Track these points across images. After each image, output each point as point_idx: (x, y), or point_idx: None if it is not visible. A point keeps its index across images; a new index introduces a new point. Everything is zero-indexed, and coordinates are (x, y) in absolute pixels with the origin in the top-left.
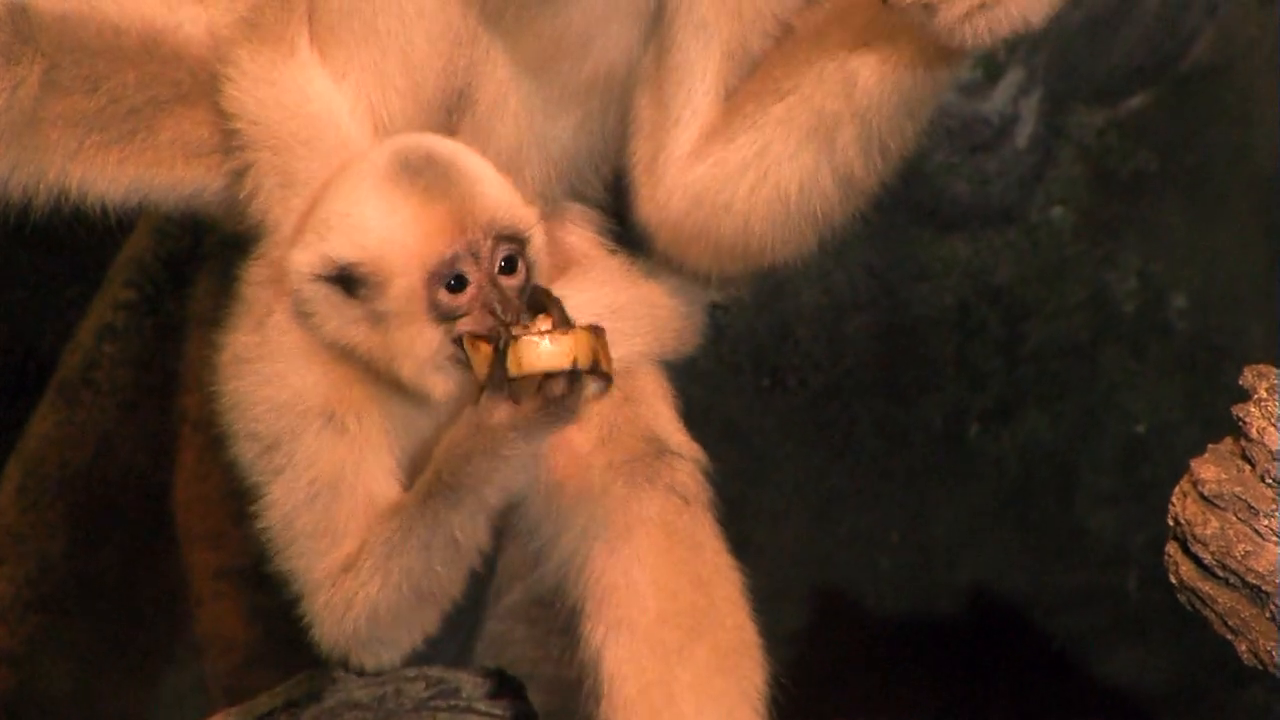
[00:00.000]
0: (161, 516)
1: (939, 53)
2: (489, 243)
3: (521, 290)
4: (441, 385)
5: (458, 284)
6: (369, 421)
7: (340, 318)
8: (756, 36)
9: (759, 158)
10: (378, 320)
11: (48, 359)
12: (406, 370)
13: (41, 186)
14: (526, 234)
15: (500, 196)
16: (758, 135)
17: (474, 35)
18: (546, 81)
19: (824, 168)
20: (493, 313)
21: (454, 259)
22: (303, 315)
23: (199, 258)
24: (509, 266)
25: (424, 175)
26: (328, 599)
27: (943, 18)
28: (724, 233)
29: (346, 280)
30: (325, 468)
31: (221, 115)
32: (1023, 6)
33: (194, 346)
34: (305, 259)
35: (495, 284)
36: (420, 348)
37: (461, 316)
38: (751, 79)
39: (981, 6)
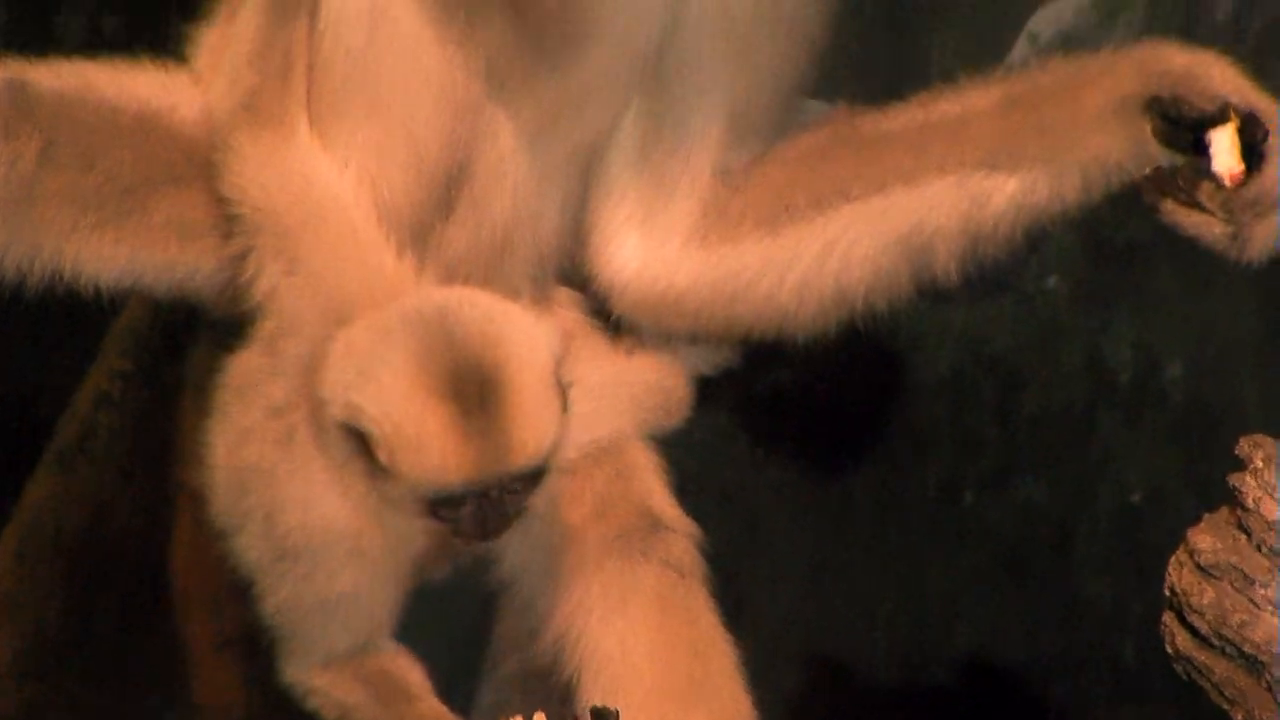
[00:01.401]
0: (158, 584)
1: (1101, 179)
2: (506, 481)
3: (520, 507)
4: (424, 542)
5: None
6: (384, 544)
7: (347, 452)
8: (762, 105)
9: (821, 256)
10: (379, 473)
11: (44, 427)
12: (391, 523)
13: (36, 264)
14: (547, 466)
15: (537, 435)
16: (819, 234)
17: (477, 105)
18: (542, 150)
19: (905, 271)
20: (484, 528)
21: (464, 494)
22: (321, 434)
23: (196, 327)
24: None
25: (470, 398)
26: (306, 678)
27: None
28: (745, 315)
29: (361, 435)
30: (343, 586)
31: (218, 198)
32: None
33: (191, 415)
34: (334, 396)
35: (496, 502)
36: (408, 526)
37: (454, 519)
38: (788, 166)
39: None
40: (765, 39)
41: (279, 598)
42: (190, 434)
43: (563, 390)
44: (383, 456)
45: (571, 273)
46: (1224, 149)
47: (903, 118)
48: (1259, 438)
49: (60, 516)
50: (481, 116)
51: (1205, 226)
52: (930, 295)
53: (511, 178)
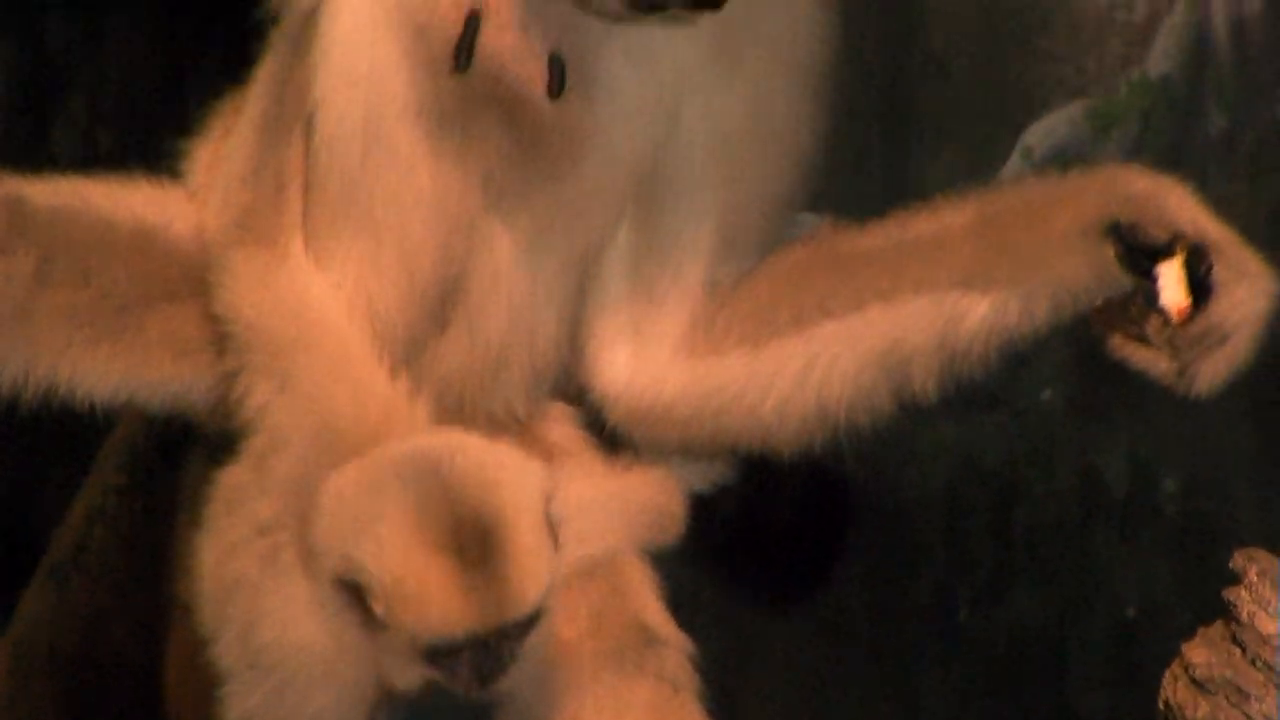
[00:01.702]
0: (152, 699)
1: (1070, 301)
2: (507, 629)
3: (516, 652)
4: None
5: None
6: (359, 668)
7: (341, 602)
8: (752, 221)
9: (803, 372)
10: (375, 623)
11: (38, 541)
12: (382, 671)
13: (30, 380)
14: (544, 610)
15: (536, 582)
16: (800, 350)
17: (471, 219)
18: (537, 264)
19: (884, 390)
20: (481, 676)
21: (464, 644)
22: (311, 563)
23: (190, 442)
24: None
25: (470, 549)
26: None
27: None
28: (730, 429)
29: (357, 587)
30: (313, 707)
31: (212, 315)
32: (1242, 345)
33: (185, 530)
34: (329, 550)
35: (494, 650)
36: (400, 673)
37: (451, 667)
38: (773, 282)
39: (1211, 352)
40: (756, 156)
41: (247, 707)
42: (184, 549)
43: (554, 529)
44: (380, 609)
45: (567, 386)
46: (1171, 282)
47: (882, 236)
48: (1254, 551)
49: (54, 631)
50: (476, 231)
51: (1152, 361)
52: (924, 409)
53: (506, 292)
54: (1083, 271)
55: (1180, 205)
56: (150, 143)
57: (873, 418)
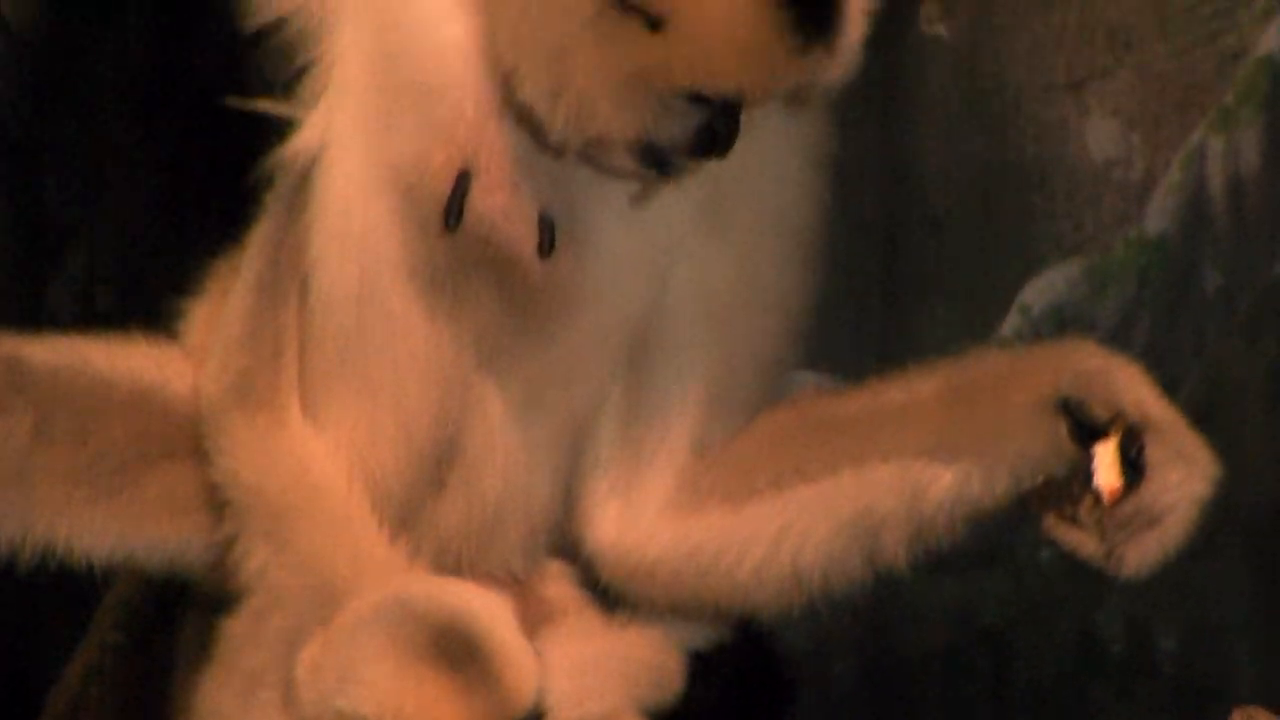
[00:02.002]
0: None
1: (1029, 475)
2: None
3: None
4: None
5: None
6: None
7: None
8: (742, 382)
9: (778, 537)
10: None
11: (35, 700)
12: None
13: (28, 539)
14: (544, 710)
15: (527, 675)
16: (777, 515)
17: (466, 381)
18: (532, 424)
19: (857, 557)
20: None
21: None
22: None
23: (188, 601)
24: None
25: (458, 656)
26: None
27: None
28: (711, 589)
29: None
30: None
31: (210, 479)
32: (1175, 530)
33: (182, 690)
34: (320, 713)
35: None
36: None
37: None
38: (756, 443)
39: (1142, 536)
40: (745, 318)
41: None
42: (181, 708)
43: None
44: None
45: (563, 543)
46: (1105, 463)
47: (858, 401)
48: (1252, 710)
49: None
50: (470, 392)
51: (1080, 543)
52: (923, 567)
53: (501, 452)
54: (1039, 446)
55: (1127, 384)
56: (148, 301)
57: (848, 584)
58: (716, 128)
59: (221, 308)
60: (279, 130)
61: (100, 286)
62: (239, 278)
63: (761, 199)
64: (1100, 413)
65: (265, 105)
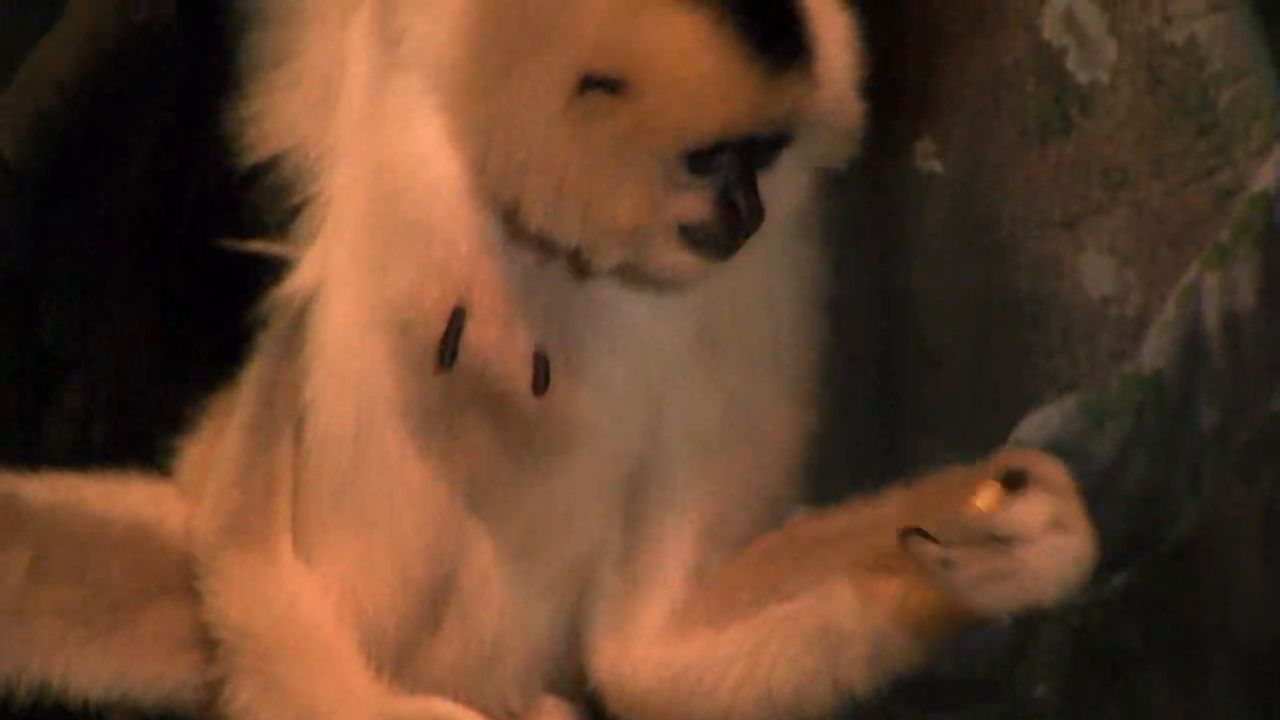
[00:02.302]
0: None
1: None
2: None
3: None
4: None
5: None
6: None
7: None
8: (737, 516)
9: (754, 654)
10: None
11: None
12: None
13: (24, 676)
14: None
15: None
16: (753, 632)
17: (460, 519)
18: (528, 564)
19: (824, 676)
20: None
21: None
22: None
23: None
24: None
25: None
26: None
27: (958, 577)
28: (697, 712)
29: None
30: None
31: (201, 619)
32: (1033, 587)
33: None
34: None
35: None
36: None
37: None
38: (742, 567)
39: (998, 576)
40: (740, 454)
41: None
42: None
43: None
44: None
45: (560, 678)
46: (985, 490)
47: (838, 521)
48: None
49: None
50: (465, 530)
51: (926, 552)
52: (921, 702)
53: (497, 590)
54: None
55: (1043, 459)
56: (144, 435)
57: (820, 707)
58: (734, 199)
59: (216, 446)
60: (275, 269)
61: (97, 420)
62: (233, 419)
63: (756, 334)
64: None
65: (260, 246)
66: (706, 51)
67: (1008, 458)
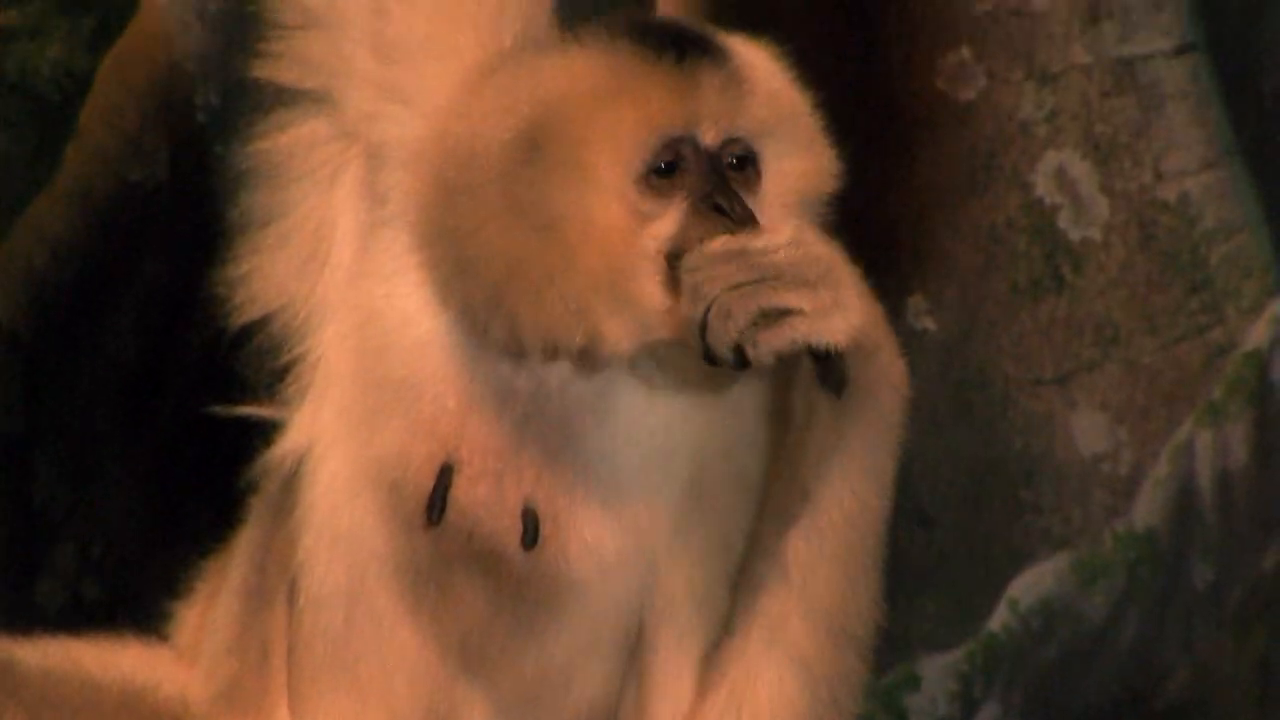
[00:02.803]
0: None
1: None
2: None
3: None
4: None
5: None
6: None
7: None
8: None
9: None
10: None
11: None
12: None
13: None
14: None
15: None
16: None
17: (453, 679)
18: (524, 718)
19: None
20: None
21: None
22: None
23: None
24: None
25: None
26: None
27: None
28: None
29: None
30: None
31: None
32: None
33: None
34: None
35: None
36: None
37: None
38: None
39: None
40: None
41: None
42: None
43: None
44: None
45: None
46: None
47: None
48: None
49: None
50: (458, 690)
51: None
52: None
53: None
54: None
55: None
56: (136, 594)
57: None
58: (716, 201)
59: (210, 610)
60: (266, 432)
61: (88, 580)
62: (226, 583)
63: (746, 481)
64: None
65: (250, 410)
66: (611, 65)
67: None
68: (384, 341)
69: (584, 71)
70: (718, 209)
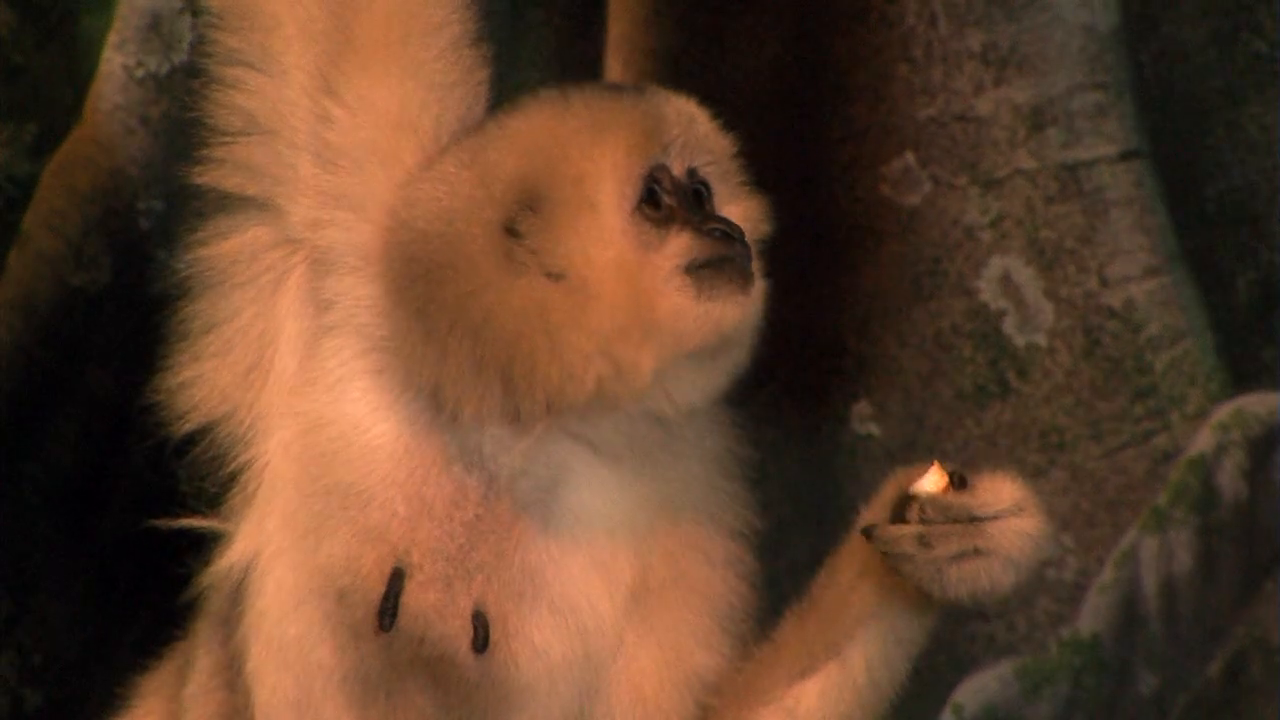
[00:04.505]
0: None
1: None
2: None
3: None
4: None
5: None
6: None
7: None
8: None
9: None
10: None
11: None
12: None
13: None
14: None
15: None
16: None
17: None
18: None
19: None
20: None
21: None
22: None
23: None
24: None
25: None
26: None
27: (934, 554)
28: None
29: None
30: None
31: None
32: (999, 567)
33: None
34: None
35: None
36: None
37: None
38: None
39: (970, 555)
40: (678, 701)
41: None
42: None
43: None
44: None
45: None
46: (930, 478)
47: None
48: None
49: None
50: None
51: (898, 539)
52: None
53: None
54: (869, 599)
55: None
56: (78, 704)
57: None
58: (713, 224)
59: None
60: (208, 544)
61: (29, 689)
62: (181, 704)
63: (688, 581)
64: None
65: (193, 522)
66: (586, 105)
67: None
68: (330, 448)
69: (565, 116)
70: (721, 234)
